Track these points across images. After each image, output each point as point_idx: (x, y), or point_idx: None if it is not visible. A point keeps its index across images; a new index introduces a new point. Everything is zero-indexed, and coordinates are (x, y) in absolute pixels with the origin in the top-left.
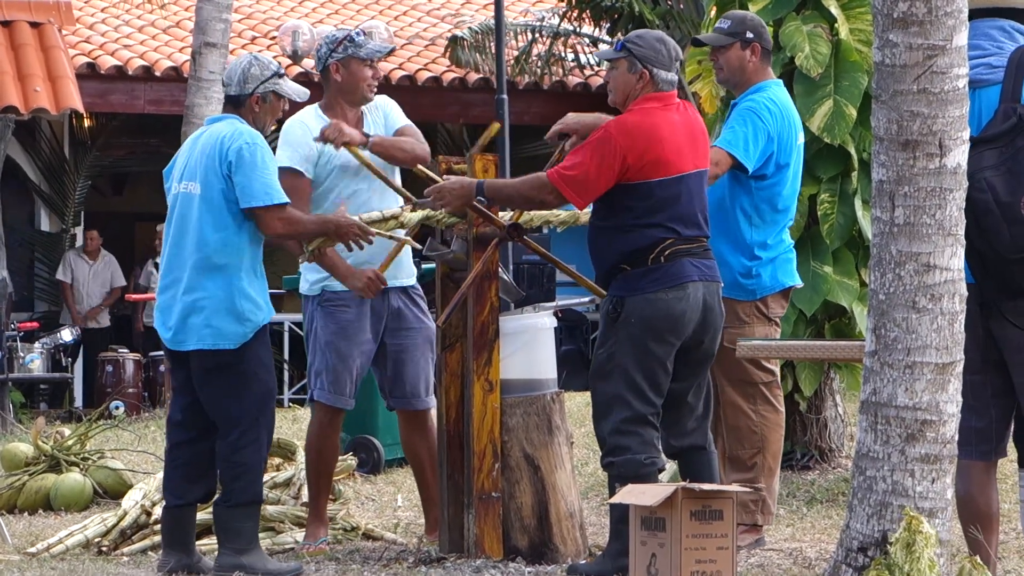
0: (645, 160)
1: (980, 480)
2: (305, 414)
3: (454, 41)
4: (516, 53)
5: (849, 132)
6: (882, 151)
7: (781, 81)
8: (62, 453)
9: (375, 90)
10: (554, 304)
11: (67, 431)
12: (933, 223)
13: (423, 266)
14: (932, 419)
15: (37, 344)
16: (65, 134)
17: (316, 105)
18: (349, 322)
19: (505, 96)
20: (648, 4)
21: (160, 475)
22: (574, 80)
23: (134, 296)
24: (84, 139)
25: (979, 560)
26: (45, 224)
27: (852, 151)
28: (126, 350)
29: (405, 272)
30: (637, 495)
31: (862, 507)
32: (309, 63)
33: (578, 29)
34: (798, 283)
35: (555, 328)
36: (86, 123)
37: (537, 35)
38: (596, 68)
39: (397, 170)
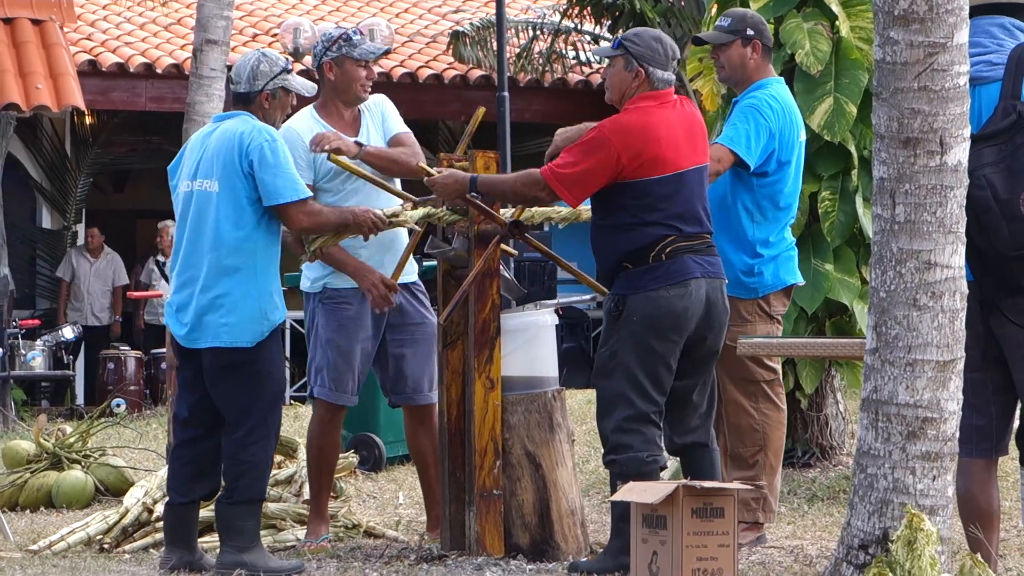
0: (641, 160)
1: (981, 478)
2: (306, 411)
3: (456, 37)
4: (517, 50)
5: (850, 130)
6: (883, 149)
7: (782, 78)
8: (64, 451)
9: (369, 90)
10: (555, 302)
11: (69, 428)
12: (934, 221)
13: (424, 263)
14: (933, 417)
15: (38, 341)
16: (67, 131)
17: (312, 106)
18: (350, 319)
19: (506, 93)
20: (649, 1)
21: (162, 472)
22: (575, 77)
23: (135, 293)
24: (85, 136)
25: (980, 558)
26: (47, 221)
27: (852, 149)
28: (128, 347)
29: (407, 268)
30: (638, 493)
31: (863, 504)
32: (310, 61)
33: (579, 26)
34: (800, 281)
35: (556, 326)
36: (87, 120)
37: (538, 32)
38: (597, 65)
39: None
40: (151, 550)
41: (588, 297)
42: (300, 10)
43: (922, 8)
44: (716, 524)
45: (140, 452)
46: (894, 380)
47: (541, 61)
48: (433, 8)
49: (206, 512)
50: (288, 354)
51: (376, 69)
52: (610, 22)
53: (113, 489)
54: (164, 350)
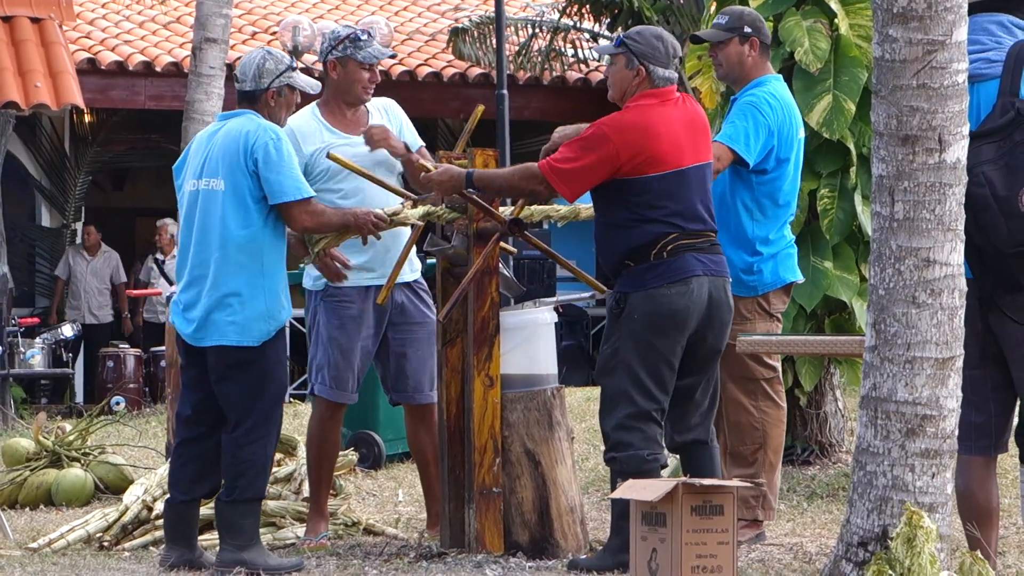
0: (640, 157)
1: (980, 475)
2: (306, 409)
3: (456, 33)
4: (516, 48)
5: (848, 127)
6: (882, 146)
7: (780, 76)
8: (63, 448)
9: (372, 92)
10: (555, 299)
11: (68, 426)
12: (933, 218)
13: (425, 261)
14: (932, 414)
15: (38, 339)
16: (66, 130)
17: (314, 103)
18: (352, 318)
19: (505, 91)
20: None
21: (161, 470)
22: (574, 75)
23: (134, 292)
24: (85, 135)
25: (979, 555)
26: (46, 220)
27: (851, 146)
28: (127, 345)
29: (409, 267)
30: (638, 490)
31: (862, 502)
32: (310, 58)
33: (578, 24)
34: (799, 279)
35: (555, 323)
36: (87, 119)
37: (537, 30)
38: (596, 63)
39: (397, 169)
40: (151, 548)
41: (587, 295)
42: (299, 8)
43: (921, 6)
44: (715, 522)
45: (139, 450)
46: (893, 377)
47: (540, 59)
48: (432, 6)
49: (205, 510)
50: (287, 352)
51: (377, 68)
52: (609, 20)
53: (113, 487)
54: (163, 348)
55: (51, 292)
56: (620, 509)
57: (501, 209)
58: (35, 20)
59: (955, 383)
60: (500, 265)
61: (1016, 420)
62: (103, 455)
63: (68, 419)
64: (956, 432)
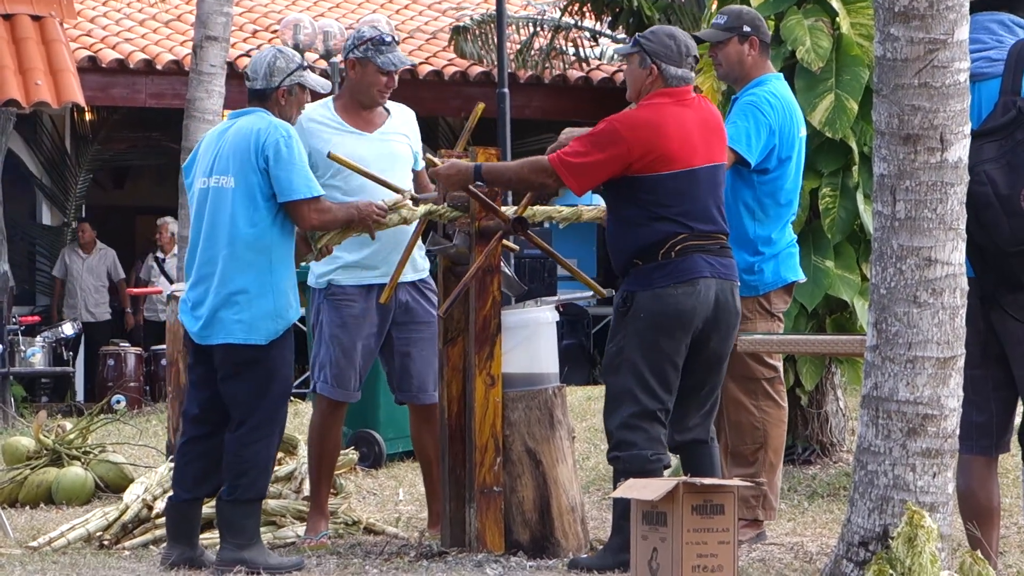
0: (652, 155)
1: (981, 475)
2: (307, 408)
3: (458, 31)
4: (517, 47)
5: (850, 126)
6: (883, 145)
7: (781, 75)
8: (63, 447)
9: (387, 96)
10: (556, 298)
11: (68, 425)
12: (934, 217)
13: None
14: (933, 413)
15: (38, 338)
16: (66, 128)
17: (331, 97)
18: (354, 316)
19: (506, 90)
20: None
21: (162, 469)
22: (575, 74)
23: (135, 290)
24: (85, 133)
25: (980, 555)
26: (46, 218)
27: (853, 145)
28: (127, 344)
29: (415, 266)
30: (638, 490)
31: (863, 501)
32: (311, 57)
33: (579, 23)
34: (801, 278)
35: (557, 322)
36: (87, 117)
37: (538, 28)
38: (597, 62)
39: (411, 164)
40: (151, 546)
41: (588, 294)
42: (300, 6)
43: (922, 5)
44: (716, 521)
45: (140, 448)
46: (894, 377)
47: (541, 57)
48: (433, 4)
49: (206, 509)
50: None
51: (395, 75)
52: (610, 18)
53: (113, 486)
54: (164, 347)
55: (51, 290)
56: (621, 508)
57: (503, 208)
58: (36, 18)
59: (956, 382)
60: (502, 264)
61: (1018, 420)
62: (103, 454)
63: (68, 418)
64: (957, 432)
